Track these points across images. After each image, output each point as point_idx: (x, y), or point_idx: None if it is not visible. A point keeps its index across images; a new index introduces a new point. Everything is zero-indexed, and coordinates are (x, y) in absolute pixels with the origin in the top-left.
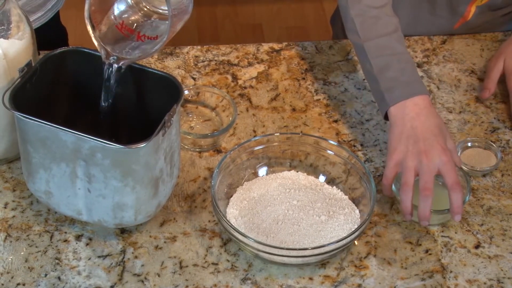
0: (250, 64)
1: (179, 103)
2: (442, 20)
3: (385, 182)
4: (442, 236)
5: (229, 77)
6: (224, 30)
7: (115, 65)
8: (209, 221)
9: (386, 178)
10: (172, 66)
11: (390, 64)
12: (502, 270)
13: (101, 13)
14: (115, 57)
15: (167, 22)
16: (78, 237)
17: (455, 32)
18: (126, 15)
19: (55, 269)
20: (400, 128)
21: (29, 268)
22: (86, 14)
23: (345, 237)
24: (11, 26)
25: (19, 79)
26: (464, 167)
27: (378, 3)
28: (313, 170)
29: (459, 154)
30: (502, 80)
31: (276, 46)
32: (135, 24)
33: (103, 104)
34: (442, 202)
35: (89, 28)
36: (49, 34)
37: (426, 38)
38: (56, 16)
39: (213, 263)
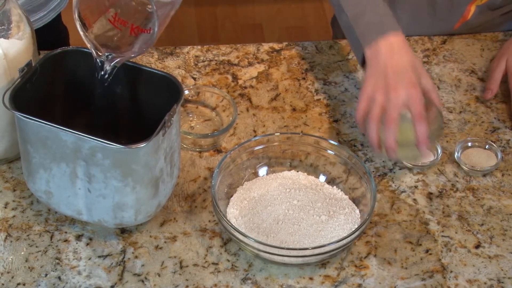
0: (250, 64)
1: (179, 103)
2: (442, 21)
3: (356, 116)
4: (442, 236)
5: (229, 77)
6: (224, 30)
7: (108, 65)
8: (209, 221)
9: (357, 112)
10: (172, 66)
11: (364, 11)
12: (502, 270)
13: (94, 13)
14: (109, 55)
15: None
16: (78, 237)
17: (455, 32)
18: (119, 8)
19: (56, 269)
20: (374, 67)
21: (29, 268)
22: (75, 13)
23: (345, 237)
24: (11, 26)
25: (19, 79)
26: (464, 167)
27: None
28: (313, 170)
29: (459, 154)
30: (503, 80)
31: (276, 46)
32: (128, 15)
33: (99, 104)
34: (411, 137)
35: (78, 26)
36: (50, 34)
37: (426, 38)
38: (58, 16)
39: (213, 263)
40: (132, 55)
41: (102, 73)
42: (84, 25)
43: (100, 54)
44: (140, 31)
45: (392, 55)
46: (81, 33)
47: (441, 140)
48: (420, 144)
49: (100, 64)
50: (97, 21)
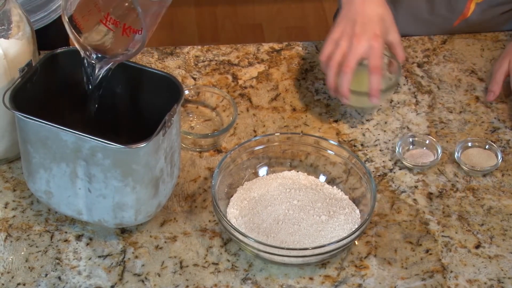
0: (250, 64)
1: (179, 103)
2: (441, 18)
3: (320, 58)
4: (442, 236)
5: (230, 77)
6: (224, 30)
7: (101, 67)
8: (209, 221)
9: (321, 54)
10: (172, 66)
11: None
12: (502, 270)
13: (85, 15)
14: (102, 57)
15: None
16: (78, 237)
17: (455, 30)
18: (111, 7)
19: (56, 269)
20: (346, 11)
21: (29, 268)
22: (65, 16)
23: (346, 237)
24: (11, 26)
25: (19, 79)
26: (464, 167)
27: None
28: (314, 170)
29: (459, 154)
30: (505, 81)
31: (276, 46)
32: (120, 15)
33: (92, 107)
34: (365, 87)
35: (68, 29)
36: (50, 35)
37: (426, 38)
38: (58, 17)
39: (213, 263)
40: (125, 58)
41: (95, 76)
42: (75, 28)
43: (91, 60)
44: (132, 32)
45: (364, 5)
46: (72, 36)
47: (441, 140)
48: (371, 95)
49: (91, 68)
50: (89, 23)
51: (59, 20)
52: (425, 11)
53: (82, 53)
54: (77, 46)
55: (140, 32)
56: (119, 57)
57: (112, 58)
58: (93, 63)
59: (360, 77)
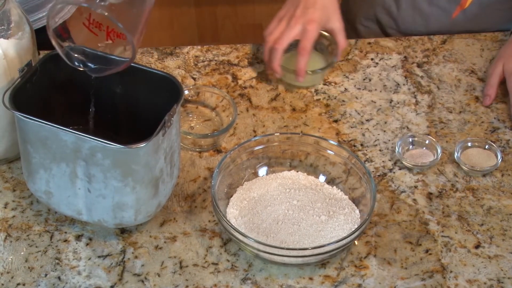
0: (250, 64)
1: (179, 103)
2: (440, 9)
3: (264, 33)
4: (442, 236)
5: (229, 77)
6: (224, 30)
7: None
8: (209, 221)
9: (266, 30)
10: (172, 66)
11: None
12: (502, 270)
13: (70, 21)
14: (95, 67)
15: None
16: (78, 237)
17: (454, 23)
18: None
19: (55, 269)
20: None
21: (29, 268)
22: (50, 29)
23: (345, 237)
24: (11, 26)
25: (19, 79)
26: (464, 167)
27: None
28: (313, 170)
29: (459, 154)
30: (503, 81)
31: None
32: (103, 17)
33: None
34: (309, 64)
35: (54, 42)
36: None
37: (426, 38)
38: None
39: (213, 263)
40: (118, 69)
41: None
42: (60, 37)
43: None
44: (117, 36)
45: None
46: (58, 49)
47: (441, 140)
48: (296, 74)
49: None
50: (75, 29)
51: None
52: (425, 2)
53: (70, 63)
54: (63, 57)
55: (124, 38)
56: (113, 66)
57: (107, 68)
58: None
59: (291, 56)
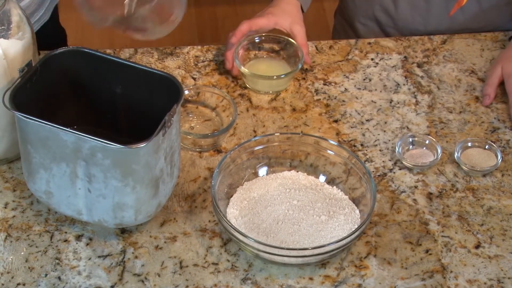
0: None
1: (179, 103)
2: (438, 7)
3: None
4: (442, 236)
5: (229, 77)
6: (224, 30)
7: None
8: (209, 221)
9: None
10: (172, 66)
11: None
12: (502, 270)
13: None
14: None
15: None
16: (78, 237)
17: (452, 21)
18: None
19: (55, 269)
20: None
21: (29, 268)
22: None
23: (345, 237)
24: (11, 26)
25: (19, 79)
26: (464, 167)
27: None
28: (313, 170)
29: (459, 154)
30: (502, 82)
31: (276, 46)
32: None
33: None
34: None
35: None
36: (48, 37)
37: (426, 38)
38: (55, 18)
39: (213, 263)
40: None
41: None
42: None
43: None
44: None
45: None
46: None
47: (441, 140)
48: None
49: None
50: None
51: (56, 22)
52: (422, 0)
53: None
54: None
55: None
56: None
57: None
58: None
59: (261, 65)
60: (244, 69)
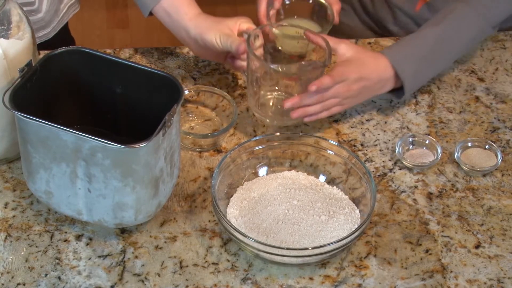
0: None
1: (179, 103)
2: (406, 1)
3: None
4: (442, 236)
5: (229, 77)
6: None
7: None
8: (209, 221)
9: None
10: (172, 66)
11: None
12: (502, 270)
13: None
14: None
15: None
16: (78, 237)
17: (419, 15)
18: None
19: (55, 269)
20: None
21: (29, 268)
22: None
23: (345, 237)
24: (11, 26)
25: (19, 79)
26: (464, 167)
27: None
28: (313, 170)
29: (459, 154)
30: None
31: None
32: None
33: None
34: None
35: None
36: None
37: None
38: (65, 28)
39: (213, 263)
40: None
41: None
42: None
43: None
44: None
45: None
46: None
47: (441, 140)
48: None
49: None
50: None
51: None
52: None
53: None
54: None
55: None
56: None
57: None
58: None
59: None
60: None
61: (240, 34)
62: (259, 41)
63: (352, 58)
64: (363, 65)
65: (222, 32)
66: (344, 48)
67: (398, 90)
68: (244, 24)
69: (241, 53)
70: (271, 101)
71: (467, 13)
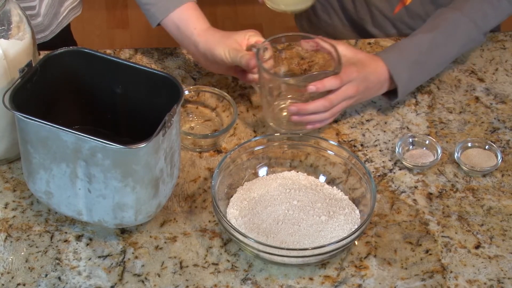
0: None
1: (179, 104)
2: (384, 1)
3: None
4: (442, 236)
5: (229, 77)
6: (224, 30)
7: None
8: (209, 221)
9: None
10: (172, 66)
11: None
12: (502, 270)
13: None
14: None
15: None
16: (78, 237)
17: (397, 17)
18: None
19: (56, 269)
20: None
21: (29, 268)
22: None
23: (345, 237)
24: (11, 26)
25: (19, 79)
26: (464, 167)
27: None
28: (313, 170)
29: (459, 154)
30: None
31: (276, 46)
32: None
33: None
34: None
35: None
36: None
37: None
38: (68, 30)
39: (213, 263)
40: None
41: None
42: None
43: None
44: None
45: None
46: None
47: (441, 140)
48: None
49: None
50: None
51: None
52: None
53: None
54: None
55: None
56: None
57: None
58: None
59: None
60: None
61: (249, 48)
62: (269, 53)
63: (353, 58)
64: (364, 65)
65: (231, 47)
66: (343, 50)
67: (390, 93)
68: (252, 37)
69: (251, 68)
70: (285, 111)
71: (460, 20)
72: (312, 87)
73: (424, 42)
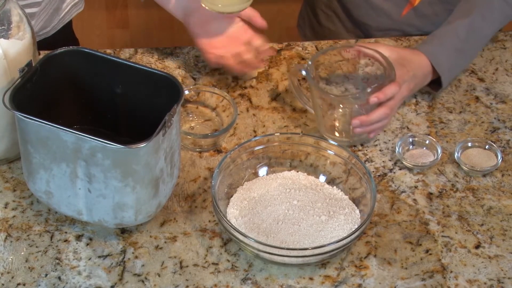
0: None
1: (179, 103)
2: (392, 4)
3: None
4: (442, 236)
5: (230, 77)
6: None
7: None
8: (209, 221)
9: None
10: (172, 66)
11: None
12: (502, 270)
13: None
14: None
15: None
16: (78, 237)
17: (404, 21)
18: None
19: (56, 269)
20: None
21: (29, 268)
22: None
23: (345, 237)
24: (11, 26)
25: (19, 79)
26: (464, 167)
27: None
28: (314, 170)
29: (459, 154)
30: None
31: (276, 46)
32: None
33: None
34: None
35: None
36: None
37: None
38: (70, 28)
39: (213, 263)
40: None
41: None
42: None
43: None
44: None
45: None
46: None
47: (441, 140)
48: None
49: None
50: None
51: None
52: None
53: None
54: None
55: None
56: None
57: None
58: None
59: None
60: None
61: (295, 71)
62: (314, 72)
63: (398, 59)
64: (410, 62)
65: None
66: (385, 51)
67: (433, 82)
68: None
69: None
70: (338, 122)
71: (493, 0)
72: (374, 99)
73: (462, 28)
